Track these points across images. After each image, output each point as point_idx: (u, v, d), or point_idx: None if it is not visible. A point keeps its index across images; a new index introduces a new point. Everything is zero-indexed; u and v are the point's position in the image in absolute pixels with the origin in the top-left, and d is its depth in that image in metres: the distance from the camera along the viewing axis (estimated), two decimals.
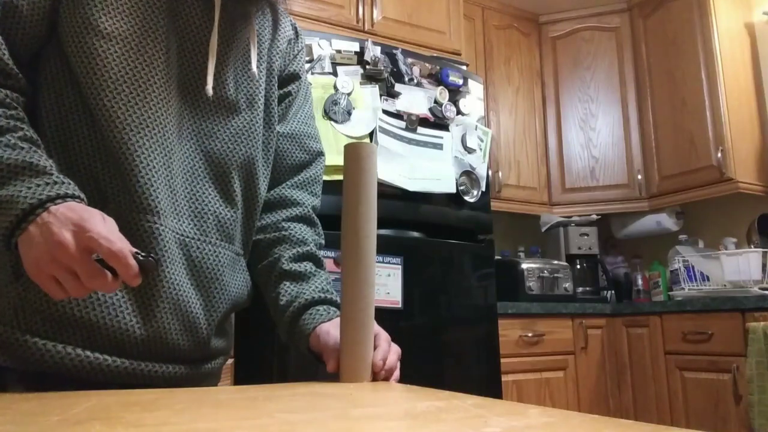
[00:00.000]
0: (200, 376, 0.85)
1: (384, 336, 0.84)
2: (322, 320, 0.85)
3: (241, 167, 0.87)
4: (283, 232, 0.94)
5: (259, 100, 0.90)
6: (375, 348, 0.80)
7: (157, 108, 0.77)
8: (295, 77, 1.01)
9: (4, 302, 0.72)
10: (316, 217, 1.01)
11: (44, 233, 0.62)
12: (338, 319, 0.82)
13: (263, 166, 0.92)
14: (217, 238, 0.84)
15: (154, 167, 0.76)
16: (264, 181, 0.93)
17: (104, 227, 0.63)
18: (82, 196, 0.68)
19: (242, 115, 0.87)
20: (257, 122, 0.89)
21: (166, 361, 0.79)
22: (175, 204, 0.79)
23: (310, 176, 1.02)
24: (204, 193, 0.83)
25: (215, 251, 0.83)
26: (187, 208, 0.81)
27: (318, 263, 0.95)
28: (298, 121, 1.01)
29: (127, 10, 0.77)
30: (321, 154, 1.06)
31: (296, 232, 0.95)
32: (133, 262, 0.62)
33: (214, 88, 0.83)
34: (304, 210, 0.98)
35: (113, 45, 0.75)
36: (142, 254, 0.64)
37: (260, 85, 0.91)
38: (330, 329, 0.82)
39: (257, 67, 0.90)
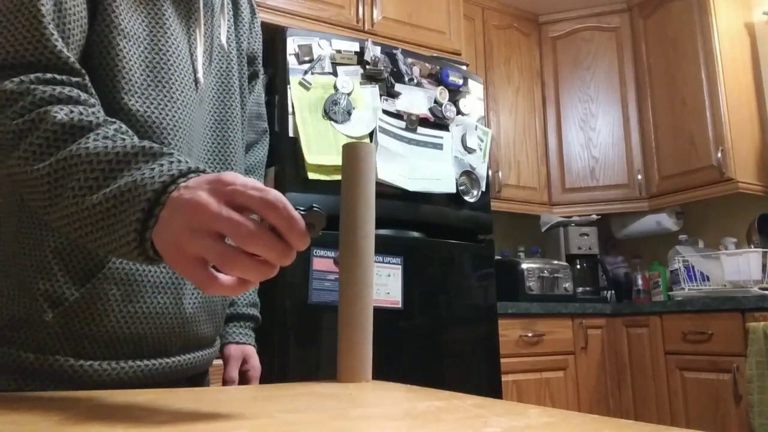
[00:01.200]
0: (213, 356, 0.89)
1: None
2: (236, 340, 0.97)
3: (237, 151, 0.89)
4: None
5: (236, 83, 0.90)
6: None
7: (183, 108, 0.77)
8: (257, 57, 1.01)
9: (43, 333, 0.68)
10: None
11: (178, 207, 0.49)
12: (247, 347, 0.98)
13: (242, 146, 0.93)
14: None
15: None
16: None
17: (248, 179, 0.50)
18: (201, 166, 0.55)
19: (230, 100, 0.87)
20: (238, 106, 0.89)
21: (195, 350, 0.82)
22: None
23: (259, 159, 1.05)
24: None
25: None
26: None
27: None
28: (253, 101, 1.02)
29: (143, 9, 0.75)
30: (266, 132, 1.08)
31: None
32: (296, 213, 0.47)
33: (204, 75, 0.83)
34: None
35: (136, 46, 0.73)
36: (302, 207, 0.49)
37: (235, 68, 0.90)
38: (233, 354, 0.96)
39: (235, 48, 0.91)
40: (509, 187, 3.17)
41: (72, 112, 0.59)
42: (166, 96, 0.74)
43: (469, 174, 2.22)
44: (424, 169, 2.10)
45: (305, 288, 1.83)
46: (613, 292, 3.26)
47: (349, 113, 1.99)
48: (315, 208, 0.50)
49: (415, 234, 2.12)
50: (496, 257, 2.61)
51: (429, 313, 2.06)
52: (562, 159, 3.35)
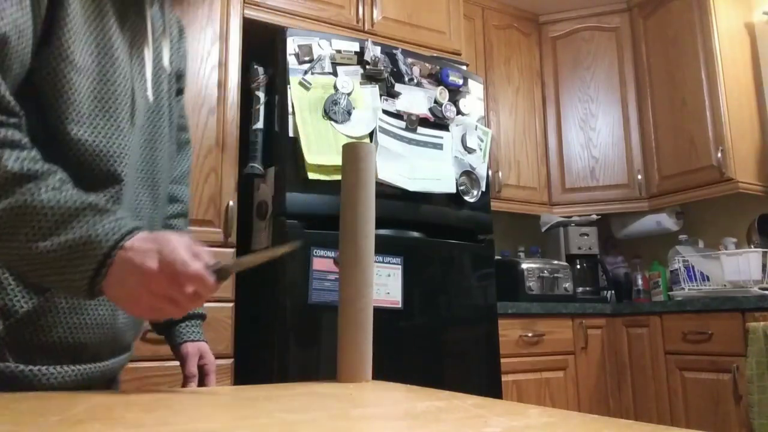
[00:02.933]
0: (129, 358, 0.97)
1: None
2: (191, 339, 1.05)
3: (164, 167, 0.94)
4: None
5: (165, 102, 0.95)
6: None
7: (128, 135, 0.83)
8: (183, 74, 1.08)
9: None
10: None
11: (130, 269, 0.64)
12: (202, 343, 1.06)
13: (169, 161, 0.99)
14: None
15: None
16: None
17: (183, 251, 0.66)
18: (138, 223, 0.70)
19: (160, 119, 0.93)
20: (166, 124, 0.95)
21: (120, 354, 0.90)
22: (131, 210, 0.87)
23: (185, 169, 1.14)
24: (143, 201, 0.90)
25: None
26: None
27: None
28: (177, 115, 1.07)
29: (94, 41, 0.79)
30: (189, 142, 1.16)
31: (180, 194, 1.11)
32: (210, 281, 0.67)
33: (153, 96, 0.90)
34: (184, 207, 1.13)
35: (85, 78, 0.78)
36: (213, 265, 0.68)
37: (166, 88, 0.96)
38: (190, 351, 1.04)
39: (170, 67, 0.98)
40: (509, 187, 3.17)
41: (19, 159, 0.65)
42: (113, 125, 0.80)
43: (469, 174, 2.22)
44: (424, 169, 2.10)
45: (305, 288, 1.83)
46: (613, 292, 3.26)
47: (349, 113, 1.99)
48: (221, 265, 0.68)
49: (415, 234, 2.12)
50: (496, 257, 2.60)
51: (429, 313, 2.06)
52: (562, 159, 3.35)
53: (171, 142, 0.98)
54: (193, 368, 1.03)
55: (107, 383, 0.91)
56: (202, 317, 1.10)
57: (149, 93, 0.89)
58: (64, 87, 0.75)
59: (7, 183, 0.64)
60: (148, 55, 0.88)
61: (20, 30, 0.70)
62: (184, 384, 1.04)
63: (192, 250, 0.67)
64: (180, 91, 1.06)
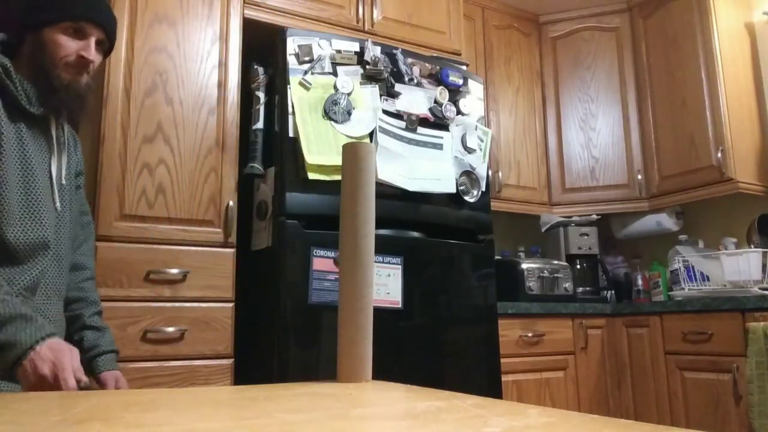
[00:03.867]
0: None
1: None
2: (108, 368, 1.37)
3: (69, 248, 1.34)
4: (82, 294, 1.41)
5: (68, 203, 1.32)
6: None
7: (50, 228, 1.21)
8: (81, 173, 1.46)
9: None
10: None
11: (33, 369, 1.00)
12: (117, 371, 1.39)
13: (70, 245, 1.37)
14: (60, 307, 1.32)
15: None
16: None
17: (69, 363, 1.02)
18: (54, 330, 1.07)
19: (66, 215, 1.30)
20: (68, 217, 1.33)
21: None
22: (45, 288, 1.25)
23: (90, 243, 1.51)
24: (51, 272, 1.26)
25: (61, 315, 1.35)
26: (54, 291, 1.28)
27: (102, 317, 1.46)
28: (77, 203, 1.42)
29: (17, 159, 1.15)
30: (90, 223, 1.52)
31: (91, 294, 1.44)
32: (73, 385, 1.02)
33: (59, 201, 1.28)
34: (92, 272, 1.47)
35: (14, 191, 1.14)
36: (81, 381, 1.05)
37: (70, 186, 1.34)
38: (108, 378, 1.36)
39: (70, 174, 1.36)
40: (509, 187, 3.17)
41: None
42: (37, 224, 1.19)
43: (469, 174, 2.22)
44: (424, 169, 2.10)
45: (305, 288, 1.83)
46: (613, 292, 3.26)
47: (349, 113, 1.99)
48: (83, 383, 1.06)
49: (415, 234, 2.12)
50: (496, 257, 2.60)
51: (429, 313, 2.06)
52: (562, 159, 3.35)
53: (72, 227, 1.34)
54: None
55: None
56: (117, 353, 1.42)
57: (57, 203, 1.25)
58: (1, 200, 1.13)
59: None
60: (54, 169, 1.25)
61: None
62: None
63: (75, 361, 1.04)
64: (79, 187, 1.43)
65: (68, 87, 1.22)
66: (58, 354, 1.01)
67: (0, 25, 1.27)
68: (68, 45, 1.22)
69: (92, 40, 1.25)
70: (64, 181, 1.29)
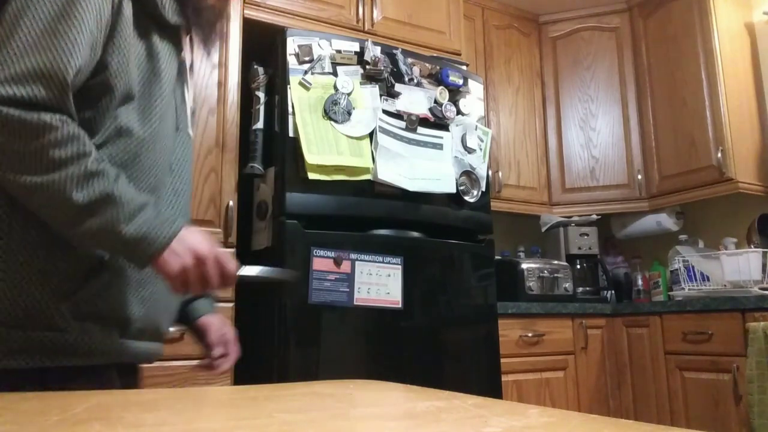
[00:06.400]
0: (161, 352, 1.08)
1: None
2: (206, 312, 1.18)
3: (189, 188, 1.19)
4: None
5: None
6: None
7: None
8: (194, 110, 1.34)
9: (55, 318, 0.86)
10: None
11: (176, 257, 0.87)
12: (217, 315, 1.19)
13: None
14: None
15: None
16: None
17: (213, 247, 0.90)
18: (185, 220, 0.97)
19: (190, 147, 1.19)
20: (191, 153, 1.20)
21: (157, 340, 1.03)
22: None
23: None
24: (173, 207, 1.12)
25: None
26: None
27: None
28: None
29: (146, 81, 0.99)
30: None
31: None
32: (232, 266, 0.91)
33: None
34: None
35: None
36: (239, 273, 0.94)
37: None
38: (211, 323, 1.17)
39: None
40: (509, 187, 3.17)
41: (96, 160, 0.84)
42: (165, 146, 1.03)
43: (469, 174, 2.22)
44: (424, 169, 2.10)
45: (305, 288, 1.83)
46: (613, 292, 3.26)
47: (349, 113, 1.99)
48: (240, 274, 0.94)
49: (415, 234, 2.12)
50: (496, 257, 2.60)
51: (429, 313, 2.06)
52: (562, 159, 3.35)
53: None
54: (214, 337, 1.15)
55: (133, 369, 1.04)
56: (211, 296, 1.23)
57: (190, 130, 1.11)
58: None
59: (93, 178, 0.83)
60: (188, 95, 1.10)
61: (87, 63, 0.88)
62: (206, 356, 1.14)
63: (215, 245, 0.90)
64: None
65: (208, 4, 1.09)
66: (193, 242, 0.88)
67: None
68: None
69: None
70: (193, 104, 1.15)
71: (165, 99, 1.00)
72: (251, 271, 0.97)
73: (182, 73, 1.09)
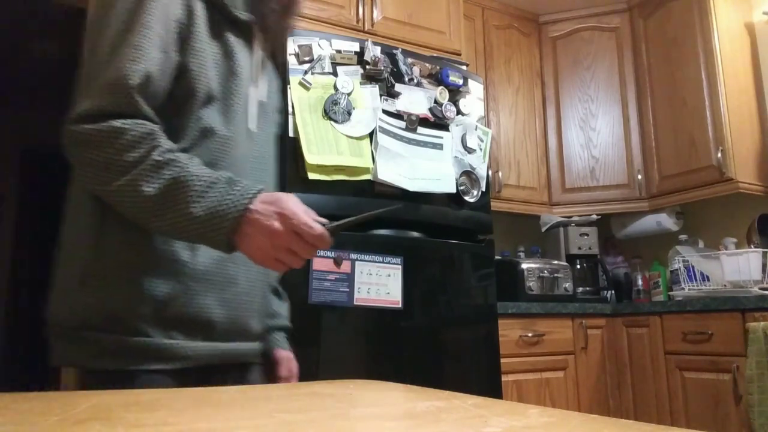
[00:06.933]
0: (260, 350, 1.08)
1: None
2: (283, 347, 1.17)
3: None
4: None
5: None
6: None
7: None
8: (280, 111, 1.28)
9: (136, 318, 0.87)
10: None
11: (258, 228, 0.82)
12: (289, 353, 1.17)
13: None
14: None
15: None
16: None
17: (299, 210, 0.84)
18: (261, 186, 0.86)
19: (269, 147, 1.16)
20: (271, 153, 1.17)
21: (249, 339, 1.02)
22: None
23: None
24: None
25: None
26: None
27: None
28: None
29: (219, 73, 0.99)
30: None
31: None
32: (329, 238, 0.84)
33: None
34: None
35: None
36: (326, 223, 0.85)
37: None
38: (283, 358, 1.15)
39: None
40: (509, 187, 3.17)
41: (166, 150, 0.84)
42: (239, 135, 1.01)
43: (469, 174, 2.22)
44: (424, 169, 2.10)
45: (305, 288, 1.83)
46: (613, 292, 3.26)
47: (349, 113, 1.99)
48: (333, 224, 0.85)
49: (415, 234, 2.12)
50: (496, 257, 2.60)
51: (429, 313, 2.06)
52: (562, 159, 3.35)
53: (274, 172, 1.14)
54: (282, 372, 1.16)
55: (240, 368, 1.02)
56: (290, 330, 1.24)
57: (253, 125, 1.05)
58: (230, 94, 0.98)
59: (161, 168, 0.83)
60: (256, 91, 1.06)
61: (162, 68, 0.89)
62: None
63: (305, 210, 0.84)
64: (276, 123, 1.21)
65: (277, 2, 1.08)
66: (278, 203, 0.83)
67: None
68: None
69: None
70: (265, 99, 1.10)
71: (243, 96, 1.00)
72: (352, 222, 0.89)
73: (260, 69, 1.08)
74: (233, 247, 0.83)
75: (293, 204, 0.84)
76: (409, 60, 2.19)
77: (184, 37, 0.93)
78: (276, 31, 1.11)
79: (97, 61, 0.86)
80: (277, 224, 0.81)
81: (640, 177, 3.19)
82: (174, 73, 0.91)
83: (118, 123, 0.83)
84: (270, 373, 1.14)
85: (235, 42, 1.00)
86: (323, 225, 0.84)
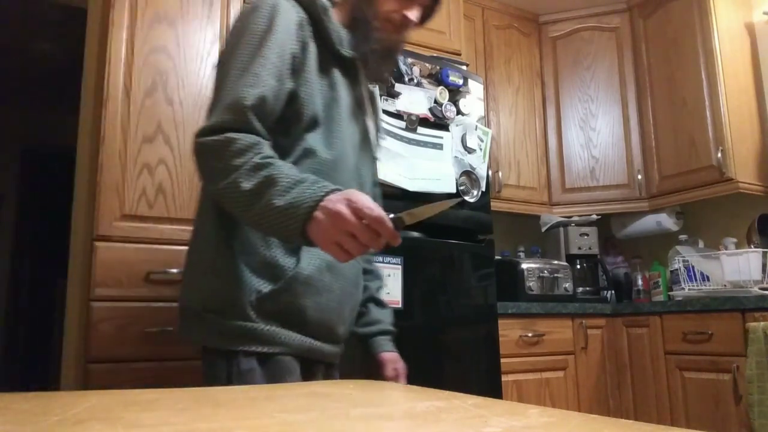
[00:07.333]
0: (340, 353, 1.21)
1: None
2: (386, 349, 1.32)
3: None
4: (368, 265, 1.38)
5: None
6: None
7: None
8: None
9: (244, 307, 1.03)
10: None
11: (325, 213, 0.90)
12: (395, 353, 1.32)
13: None
14: None
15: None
16: None
17: (366, 198, 0.91)
18: (341, 187, 0.95)
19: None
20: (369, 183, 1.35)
21: (333, 342, 1.16)
22: None
23: None
24: None
25: None
26: None
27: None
28: (375, 170, 1.45)
29: (325, 109, 1.14)
30: (380, 197, 1.45)
31: (376, 268, 1.42)
32: (390, 224, 0.90)
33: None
34: None
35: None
36: (393, 216, 0.91)
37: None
38: (389, 360, 1.31)
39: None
40: (509, 187, 3.17)
41: (264, 153, 0.98)
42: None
43: (469, 174, 2.22)
44: (424, 169, 2.10)
45: None
46: (613, 292, 3.26)
47: None
48: (398, 216, 0.92)
49: (415, 234, 2.12)
50: (496, 257, 2.60)
51: (429, 313, 2.06)
52: (562, 159, 3.35)
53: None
54: (390, 373, 1.29)
55: (326, 367, 1.17)
56: (393, 333, 1.37)
57: (375, 153, 1.29)
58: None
59: (260, 169, 0.95)
60: (370, 123, 1.25)
61: (275, 93, 1.04)
62: None
63: (376, 205, 0.91)
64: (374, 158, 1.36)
65: (382, 41, 1.19)
66: (350, 193, 0.91)
67: None
68: (396, 1, 1.18)
69: (418, 2, 1.21)
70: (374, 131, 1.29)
71: (344, 124, 1.14)
72: (418, 215, 0.96)
73: (361, 103, 1.23)
74: (306, 236, 0.91)
75: (364, 196, 0.92)
76: (409, 60, 2.19)
77: (298, 68, 1.08)
78: (375, 71, 1.25)
79: (224, 87, 1.03)
80: (342, 207, 0.89)
81: (640, 177, 3.19)
82: (286, 98, 1.06)
83: (231, 134, 0.97)
84: (377, 374, 1.26)
85: (339, 76, 1.16)
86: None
